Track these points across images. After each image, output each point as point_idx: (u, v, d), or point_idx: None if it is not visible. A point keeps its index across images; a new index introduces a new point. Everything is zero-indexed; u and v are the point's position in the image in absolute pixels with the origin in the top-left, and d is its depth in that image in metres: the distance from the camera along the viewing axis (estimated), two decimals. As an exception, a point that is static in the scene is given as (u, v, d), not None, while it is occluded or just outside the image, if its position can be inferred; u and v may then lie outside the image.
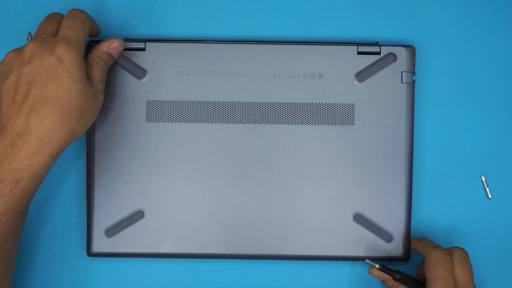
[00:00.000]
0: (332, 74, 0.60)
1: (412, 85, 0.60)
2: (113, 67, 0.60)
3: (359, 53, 0.60)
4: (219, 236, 0.60)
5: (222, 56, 0.60)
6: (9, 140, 0.51)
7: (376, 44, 0.60)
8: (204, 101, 0.60)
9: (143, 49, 0.60)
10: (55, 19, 0.56)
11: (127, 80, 0.60)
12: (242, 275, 0.63)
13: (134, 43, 0.60)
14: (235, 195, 0.60)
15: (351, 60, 0.60)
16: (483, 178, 0.63)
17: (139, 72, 0.60)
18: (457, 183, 0.63)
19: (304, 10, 0.63)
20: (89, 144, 0.60)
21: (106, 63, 0.57)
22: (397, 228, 0.60)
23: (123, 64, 0.60)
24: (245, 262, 0.62)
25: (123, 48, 0.58)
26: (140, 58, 0.60)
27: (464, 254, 0.56)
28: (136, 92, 0.60)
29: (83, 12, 0.56)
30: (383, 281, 0.59)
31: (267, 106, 0.60)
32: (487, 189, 0.63)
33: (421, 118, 0.62)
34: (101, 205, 0.60)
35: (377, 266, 0.57)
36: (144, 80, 0.60)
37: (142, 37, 0.62)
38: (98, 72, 0.55)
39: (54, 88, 0.51)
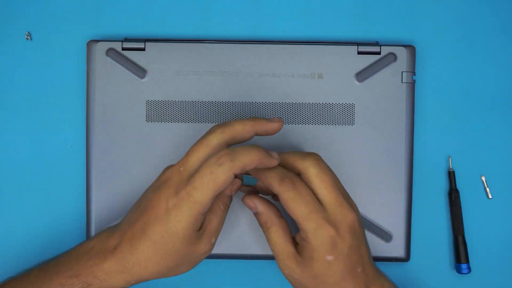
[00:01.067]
0: (332, 74, 0.60)
1: (412, 85, 0.60)
2: (113, 67, 0.60)
3: (359, 53, 0.60)
4: (219, 236, 0.60)
5: (222, 56, 0.60)
6: (105, 246, 0.51)
7: (376, 44, 0.60)
8: (204, 101, 0.60)
9: (143, 49, 0.60)
10: (207, 146, 0.50)
11: (127, 80, 0.60)
12: (242, 275, 0.63)
13: (134, 43, 0.60)
14: (235, 195, 0.60)
15: (351, 60, 0.60)
16: (483, 178, 0.63)
17: (139, 72, 0.60)
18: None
19: (304, 10, 0.63)
20: (89, 144, 0.60)
21: (226, 209, 0.53)
22: (397, 228, 0.60)
23: (123, 64, 0.60)
24: (245, 262, 0.62)
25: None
26: (140, 58, 0.60)
27: (319, 164, 0.51)
28: (136, 92, 0.60)
29: (226, 168, 0.48)
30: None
31: (267, 106, 0.60)
32: (487, 189, 0.63)
33: (421, 118, 0.62)
34: (101, 205, 0.60)
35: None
36: (144, 80, 0.60)
37: (142, 37, 0.62)
38: (216, 222, 0.52)
39: (156, 231, 0.49)
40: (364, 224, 0.60)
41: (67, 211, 0.62)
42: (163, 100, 0.60)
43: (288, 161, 0.52)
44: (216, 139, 0.50)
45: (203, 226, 0.51)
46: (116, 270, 0.50)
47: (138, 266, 0.50)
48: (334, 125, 0.60)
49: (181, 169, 0.50)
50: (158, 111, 0.60)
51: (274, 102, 0.60)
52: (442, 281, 0.63)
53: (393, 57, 0.60)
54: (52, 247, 0.62)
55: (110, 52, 0.60)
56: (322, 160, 0.52)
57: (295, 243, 0.52)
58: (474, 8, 0.63)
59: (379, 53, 0.60)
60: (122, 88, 0.60)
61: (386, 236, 0.60)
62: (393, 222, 0.60)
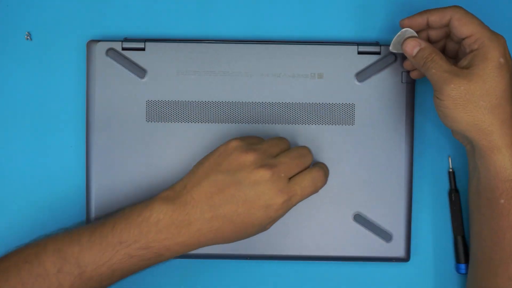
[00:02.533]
0: (332, 74, 0.60)
1: (412, 85, 0.60)
2: (113, 67, 0.60)
3: (359, 53, 0.60)
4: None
5: (222, 56, 0.60)
6: (181, 220, 0.52)
7: (376, 44, 0.60)
8: (204, 101, 0.60)
9: (143, 49, 0.60)
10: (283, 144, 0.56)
11: (127, 80, 0.60)
12: (242, 275, 0.63)
13: (134, 43, 0.60)
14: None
15: (351, 60, 0.60)
16: (483, 178, 0.63)
17: (139, 72, 0.60)
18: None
19: (304, 10, 0.63)
20: (89, 144, 0.60)
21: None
22: (397, 228, 0.60)
23: (123, 64, 0.60)
24: (245, 262, 0.62)
25: None
26: (140, 58, 0.60)
27: (463, 9, 0.55)
28: (136, 92, 0.60)
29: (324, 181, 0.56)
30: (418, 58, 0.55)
31: (267, 106, 0.60)
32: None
33: (421, 118, 0.62)
34: (101, 205, 0.60)
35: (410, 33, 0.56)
36: (144, 80, 0.60)
37: (142, 37, 0.62)
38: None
39: (245, 214, 0.52)
40: (364, 224, 0.60)
41: (67, 211, 0.62)
42: (163, 100, 0.60)
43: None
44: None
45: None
46: (190, 243, 0.52)
47: (211, 240, 0.53)
48: (334, 125, 0.60)
49: (282, 175, 0.52)
50: (158, 111, 0.60)
51: (274, 102, 0.60)
52: (442, 281, 0.63)
53: (393, 57, 0.60)
54: (52, 247, 0.63)
55: (110, 52, 0.60)
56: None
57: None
58: (474, 8, 0.63)
59: (379, 53, 0.60)
60: (122, 88, 0.60)
61: (386, 236, 0.60)
62: (393, 222, 0.60)
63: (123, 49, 0.60)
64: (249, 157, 0.52)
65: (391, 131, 0.60)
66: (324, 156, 0.60)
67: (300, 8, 0.63)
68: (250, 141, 0.55)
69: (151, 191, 0.60)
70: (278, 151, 0.54)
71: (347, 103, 0.60)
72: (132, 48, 0.60)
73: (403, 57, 0.60)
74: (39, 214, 0.62)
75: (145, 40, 0.60)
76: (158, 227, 0.52)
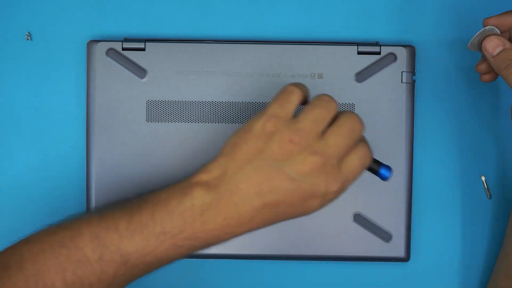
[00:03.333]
0: (332, 74, 0.60)
1: (412, 85, 0.60)
2: (113, 67, 0.60)
3: (359, 53, 0.60)
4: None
5: (222, 56, 0.60)
6: (229, 211, 0.48)
7: (376, 44, 0.60)
8: (204, 101, 0.60)
9: (143, 49, 0.60)
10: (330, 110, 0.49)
11: (127, 80, 0.60)
12: (242, 275, 0.63)
13: (134, 43, 0.60)
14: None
15: (351, 60, 0.60)
16: (483, 178, 0.63)
17: (139, 72, 0.60)
18: (457, 183, 0.62)
19: (304, 10, 0.63)
20: (89, 144, 0.60)
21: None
22: (397, 228, 0.60)
23: (123, 64, 0.60)
24: (245, 262, 0.62)
25: None
26: (140, 58, 0.60)
27: None
28: (136, 92, 0.60)
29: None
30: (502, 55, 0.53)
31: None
32: (487, 189, 0.63)
33: (421, 118, 0.62)
34: (101, 204, 0.60)
35: (494, 31, 0.52)
36: (144, 80, 0.60)
37: (142, 37, 0.62)
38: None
39: (299, 205, 0.48)
40: (364, 224, 0.60)
41: (68, 211, 0.62)
42: (163, 100, 0.60)
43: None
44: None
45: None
46: (240, 232, 0.49)
47: (262, 227, 0.49)
48: (334, 125, 0.60)
49: (334, 162, 0.47)
50: (158, 111, 0.60)
51: (274, 102, 0.60)
52: (442, 281, 0.63)
53: (393, 57, 0.60)
54: (52, 247, 0.63)
55: (110, 52, 0.60)
56: None
57: None
58: (474, 8, 0.63)
59: (379, 53, 0.60)
60: (122, 88, 0.60)
61: (386, 236, 0.60)
62: (393, 222, 0.60)
63: (123, 49, 0.60)
64: (295, 146, 0.47)
65: (391, 131, 0.60)
66: (324, 156, 0.60)
67: (300, 8, 0.63)
68: (287, 112, 0.48)
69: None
70: (326, 124, 0.48)
71: (347, 103, 0.60)
72: (132, 48, 0.60)
73: (476, 57, 0.58)
74: (39, 214, 0.62)
75: (145, 40, 0.60)
76: (204, 218, 0.47)
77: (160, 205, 0.48)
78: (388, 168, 0.52)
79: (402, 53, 0.60)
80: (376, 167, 0.52)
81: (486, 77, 0.57)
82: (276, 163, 0.47)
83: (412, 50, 0.60)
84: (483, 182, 0.63)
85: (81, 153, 0.62)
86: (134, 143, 0.60)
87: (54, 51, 0.62)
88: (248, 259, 0.61)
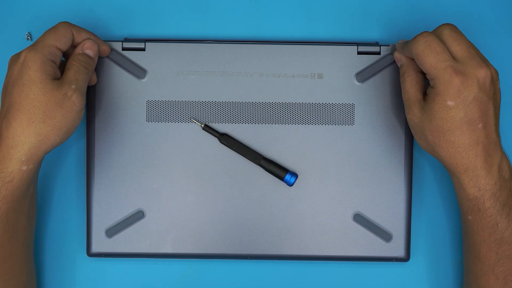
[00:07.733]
0: (332, 74, 0.60)
1: (412, 85, 0.60)
2: (113, 67, 0.60)
3: (359, 53, 0.60)
4: (219, 236, 0.60)
5: (222, 56, 0.60)
6: None
7: (376, 44, 0.60)
8: (204, 101, 0.60)
9: (143, 49, 0.60)
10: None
11: (127, 80, 0.60)
12: (242, 275, 0.63)
13: (134, 43, 0.60)
14: (235, 195, 0.60)
15: (351, 60, 0.60)
16: (483, 178, 0.63)
17: (139, 72, 0.60)
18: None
19: (304, 10, 0.63)
20: (89, 144, 0.60)
21: (82, 64, 0.55)
22: (397, 228, 0.60)
23: (123, 64, 0.60)
24: (245, 262, 0.62)
25: (97, 47, 0.57)
26: (140, 58, 0.60)
27: (453, 28, 0.53)
28: (136, 92, 0.60)
29: (63, 22, 0.56)
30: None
31: (267, 106, 0.60)
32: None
33: (421, 118, 0.62)
34: (101, 205, 0.60)
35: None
36: (144, 80, 0.60)
37: (142, 37, 0.62)
38: (71, 73, 0.54)
39: (17, 92, 0.52)
40: (364, 224, 0.60)
41: (67, 211, 0.62)
42: (163, 100, 0.60)
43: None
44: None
45: (61, 77, 0.54)
46: (2, 156, 0.52)
47: (17, 136, 0.52)
48: (334, 125, 0.60)
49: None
50: (158, 111, 0.60)
51: (274, 102, 0.60)
52: (441, 281, 0.63)
53: (393, 57, 0.60)
54: (52, 246, 0.62)
55: (110, 52, 0.60)
56: (456, 27, 0.54)
57: (425, 94, 0.54)
58: (474, 8, 0.63)
59: (379, 53, 0.60)
60: (122, 88, 0.60)
61: (386, 236, 0.60)
62: (393, 222, 0.60)
63: (123, 49, 0.60)
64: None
65: (391, 131, 0.60)
66: (324, 156, 0.60)
67: (300, 8, 0.63)
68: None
69: (151, 191, 0.60)
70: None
71: (347, 103, 0.60)
72: (132, 48, 0.60)
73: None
74: (39, 214, 0.62)
75: (145, 40, 0.60)
76: None
77: None
78: (294, 174, 0.59)
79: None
80: (282, 174, 0.59)
81: None
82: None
83: (412, 50, 0.60)
84: (483, 182, 0.63)
85: (81, 153, 0.62)
86: (134, 143, 0.60)
87: (54, 51, 0.62)
88: (248, 259, 0.61)
